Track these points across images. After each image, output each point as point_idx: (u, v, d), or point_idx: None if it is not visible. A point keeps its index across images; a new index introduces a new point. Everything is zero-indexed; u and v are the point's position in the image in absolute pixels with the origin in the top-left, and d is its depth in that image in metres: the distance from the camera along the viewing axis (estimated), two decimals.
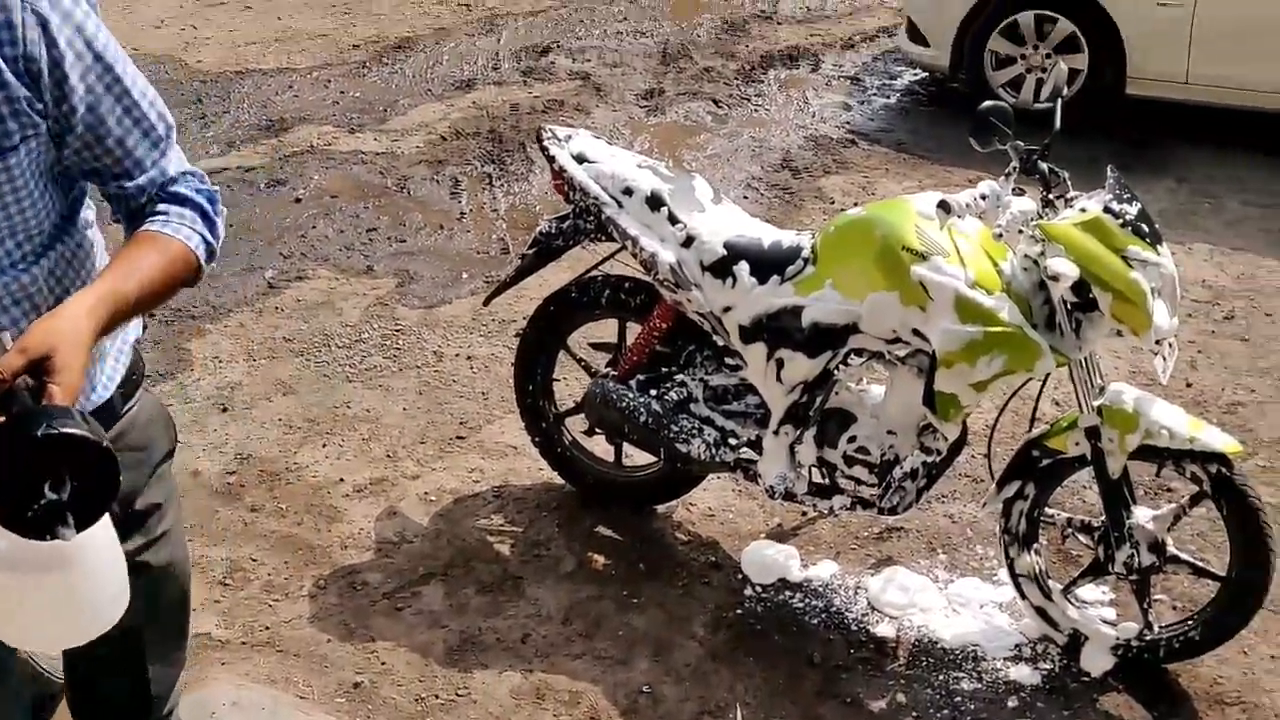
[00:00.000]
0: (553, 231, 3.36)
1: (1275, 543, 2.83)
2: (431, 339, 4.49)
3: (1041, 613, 3.07)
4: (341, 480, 3.75)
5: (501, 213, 5.47)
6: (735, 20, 7.90)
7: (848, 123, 6.44)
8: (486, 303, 3.70)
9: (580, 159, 3.27)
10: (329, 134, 6.26)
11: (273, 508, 3.63)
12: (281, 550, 3.46)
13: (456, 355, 4.39)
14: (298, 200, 5.56)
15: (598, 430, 3.49)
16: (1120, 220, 2.69)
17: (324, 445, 3.91)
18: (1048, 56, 6.11)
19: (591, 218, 3.24)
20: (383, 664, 3.08)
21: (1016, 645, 3.14)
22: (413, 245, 5.20)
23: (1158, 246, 2.71)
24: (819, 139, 6.22)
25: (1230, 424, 3.95)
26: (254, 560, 3.43)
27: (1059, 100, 2.96)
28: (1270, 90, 5.80)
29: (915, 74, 7.06)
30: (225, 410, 4.09)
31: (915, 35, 6.57)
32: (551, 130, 3.35)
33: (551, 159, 3.29)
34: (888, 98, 6.83)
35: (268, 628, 3.19)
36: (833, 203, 5.50)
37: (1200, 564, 3.01)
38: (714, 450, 3.22)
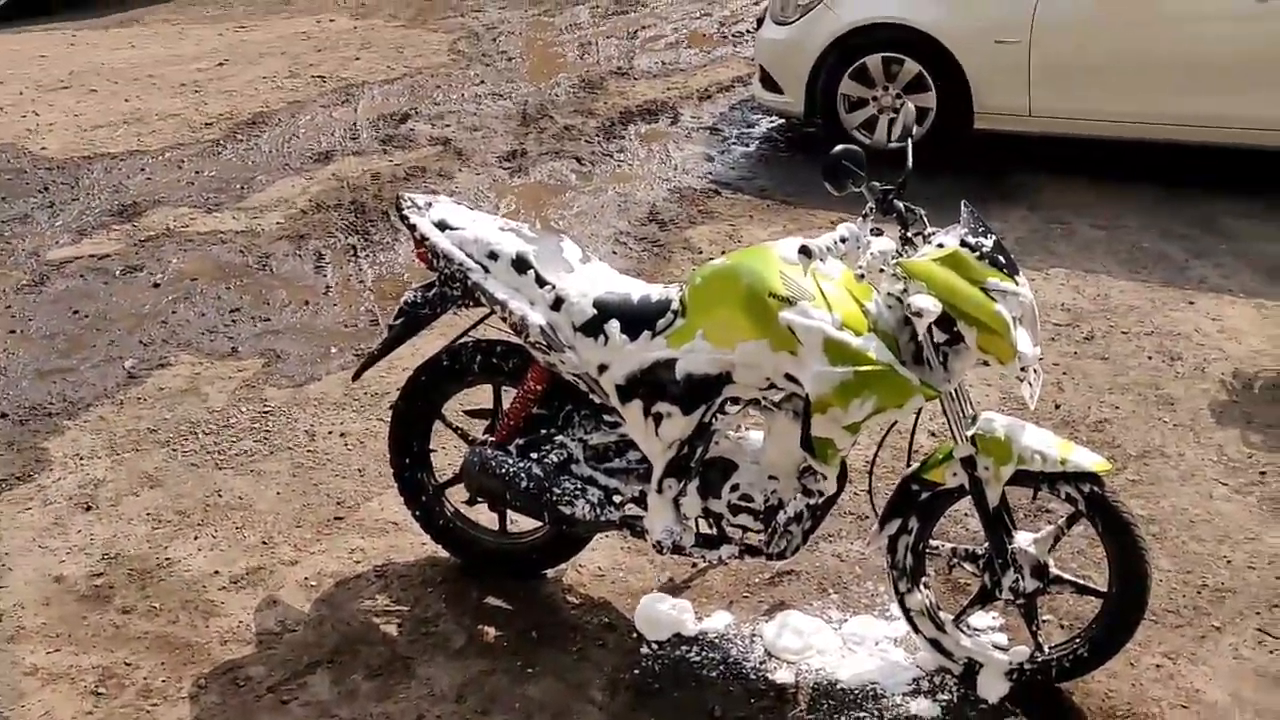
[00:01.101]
0: (419, 301, 3.31)
1: (1150, 554, 2.90)
2: (302, 418, 4.37)
3: (936, 644, 3.09)
4: (217, 573, 3.61)
5: (368, 284, 5.39)
6: (592, 78, 7.97)
7: (710, 173, 6.52)
8: (356, 377, 3.61)
9: (442, 226, 3.22)
10: (185, 215, 6.10)
11: (145, 608, 3.47)
12: (157, 651, 3.31)
13: (329, 433, 4.28)
14: (156, 285, 5.40)
15: (479, 499, 3.43)
16: (977, 253, 2.75)
17: (196, 537, 3.76)
18: (898, 97, 6.28)
19: (457, 284, 3.20)
20: None
21: (914, 679, 3.15)
22: (278, 323, 5.07)
23: (1015, 277, 2.76)
24: (683, 190, 6.28)
25: (1099, 441, 4.06)
26: (128, 665, 3.27)
27: (909, 139, 3.01)
28: (1106, 119, 6.05)
29: (772, 121, 7.19)
30: (89, 509, 3.91)
31: (769, 83, 6.69)
32: (410, 198, 3.31)
33: (412, 228, 3.24)
34: (747, 146, 6.94)
35: None
36: (700, 252, 5.55)
37: (1082, 582, 3.06)
38: (599, 510, 3.18)
